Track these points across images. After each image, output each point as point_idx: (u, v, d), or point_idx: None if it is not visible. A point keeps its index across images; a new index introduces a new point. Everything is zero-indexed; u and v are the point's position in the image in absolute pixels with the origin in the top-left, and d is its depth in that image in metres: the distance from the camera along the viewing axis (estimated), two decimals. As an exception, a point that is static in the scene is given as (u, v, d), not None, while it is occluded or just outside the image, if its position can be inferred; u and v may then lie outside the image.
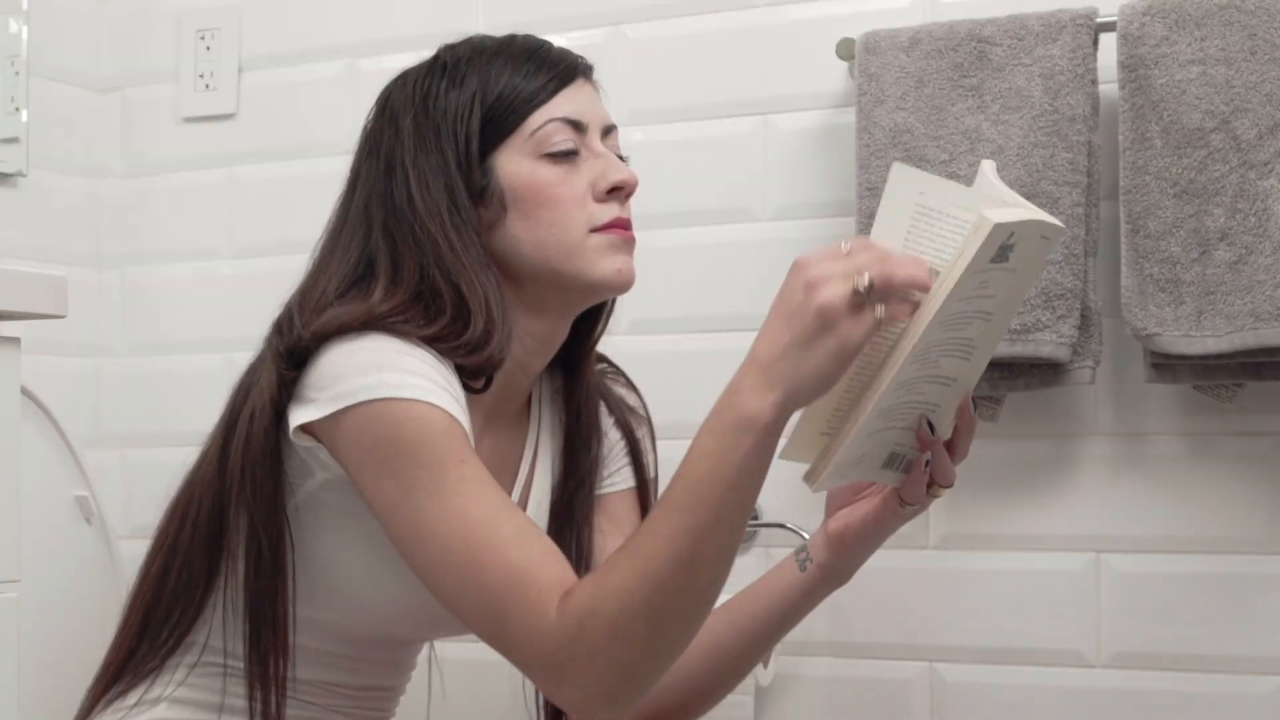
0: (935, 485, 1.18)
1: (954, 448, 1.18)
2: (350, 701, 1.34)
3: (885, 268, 1.00)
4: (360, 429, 1.14)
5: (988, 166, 1.08)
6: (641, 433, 1.43)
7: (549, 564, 1.10)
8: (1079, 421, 1.66)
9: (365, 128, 1.32)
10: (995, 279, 1.06)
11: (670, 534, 1.05)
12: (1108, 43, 1.60)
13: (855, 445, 1.08)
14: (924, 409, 1.12)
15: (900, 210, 1.06)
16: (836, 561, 1.27)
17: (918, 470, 1.15)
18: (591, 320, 1.37)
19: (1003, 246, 1.03)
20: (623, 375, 1.46)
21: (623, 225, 1.27)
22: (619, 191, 1.28)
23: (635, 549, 1.06)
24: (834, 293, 0.99)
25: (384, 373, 1.13)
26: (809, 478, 1.09)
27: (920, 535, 1.71)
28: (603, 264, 1.25)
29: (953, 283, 1.02)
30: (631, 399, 1.45)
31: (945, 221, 1.06)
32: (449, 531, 1.10)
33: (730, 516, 1.05)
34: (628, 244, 1.28)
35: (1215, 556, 1.61)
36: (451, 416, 1.13)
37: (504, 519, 1.11)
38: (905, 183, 1.06)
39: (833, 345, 1.00)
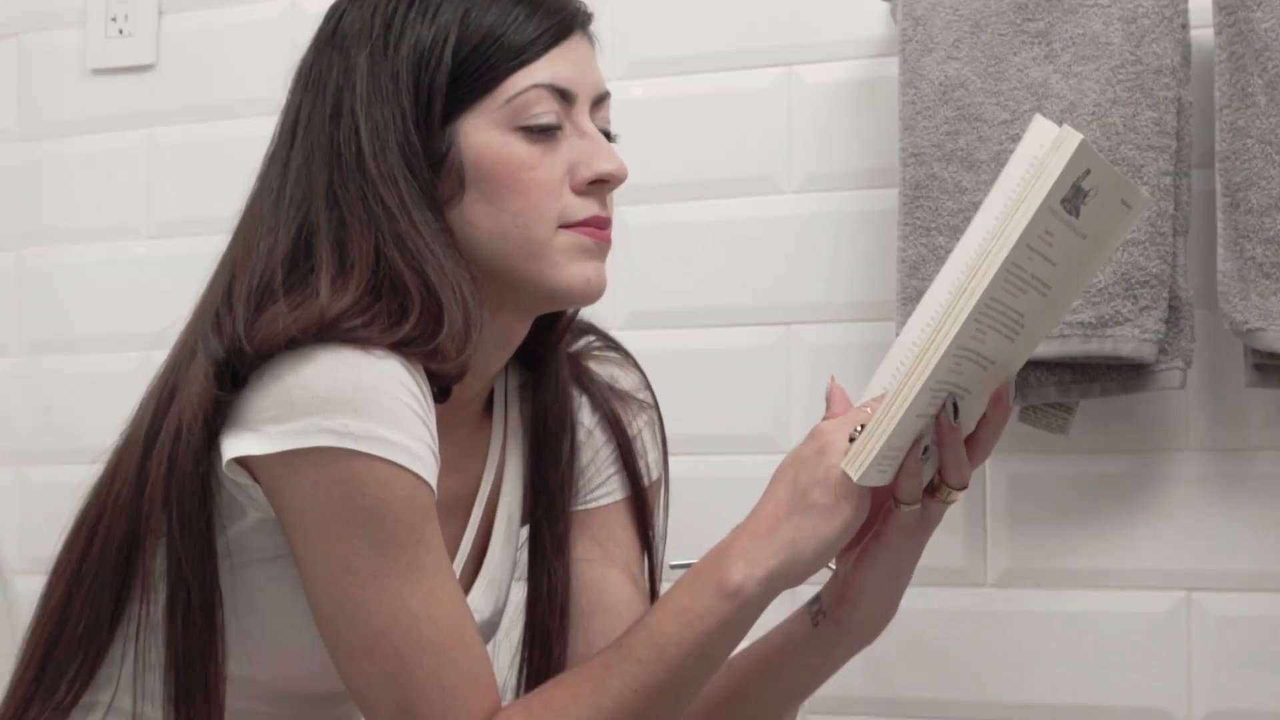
0: (944, 486, 1.12)
1: (975, 442, 1.12)
2: None
3: None
4: (313, 480, 1.09)
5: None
6: (638, 426, 1.36)
7: (481, 688, 1.13)
8: (1167, 434, 1.63)
9: (308, 51, 1.24)
10: (1060, 237, 1.04)
11: (622, 687, 1.10)
12: (1201, -20, 1.59)
13: (903, 427, 1.06)
14: (955, 392, 1.08)
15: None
16: (852, 608, 1.19)
17: (910, 458, 1.10)
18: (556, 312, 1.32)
19: (1076, 188, 1.02)
20: (617, 349, 1.40)
21: (600, 225, 1.21)
22: (603, 185, 1.21)
23: (581, 692, 1.11)
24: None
25: (349, 416, 1.08)
26: (850, 464, 1.07)
27: (976, 570, 1.68)
28: (569, 270, 1.19)
29: (1031, 211, 1.00)
30: (627, 379, 1.38)
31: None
32: (384, 621, 1.11)
33: (692, 680, 1.11)
34: (601, 248, 1.22)
35: (1330, 598, 1.59)
36: (418, 480, 1.10)
37: (447, 622, 1.12)
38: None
39: (848, 513, 1.07)
